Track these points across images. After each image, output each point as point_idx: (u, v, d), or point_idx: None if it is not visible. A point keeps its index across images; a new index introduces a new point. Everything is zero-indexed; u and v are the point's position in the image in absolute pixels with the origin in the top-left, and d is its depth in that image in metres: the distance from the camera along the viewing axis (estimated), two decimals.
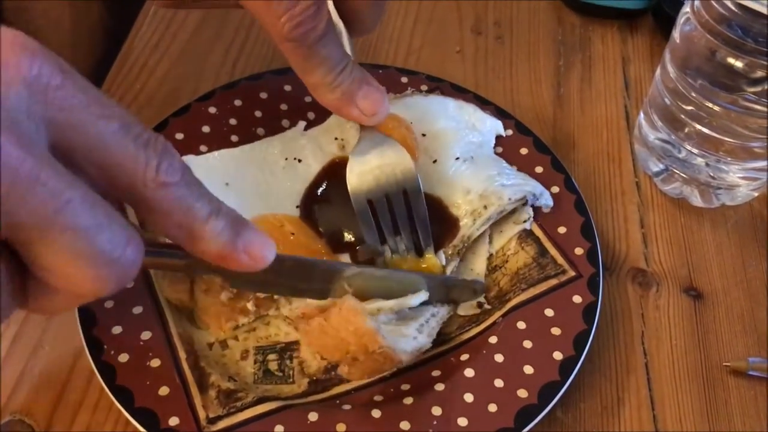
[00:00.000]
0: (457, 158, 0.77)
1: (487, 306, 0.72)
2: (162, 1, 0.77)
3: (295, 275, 0.63)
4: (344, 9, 0.66)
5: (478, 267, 0.75)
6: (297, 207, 0.74)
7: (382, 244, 0.70)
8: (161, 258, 0.54)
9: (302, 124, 0.80)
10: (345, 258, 0.71)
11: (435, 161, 0.77)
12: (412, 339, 0.66)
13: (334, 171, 0.76)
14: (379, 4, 0.67)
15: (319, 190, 0.76)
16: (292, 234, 0.70)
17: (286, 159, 0.76)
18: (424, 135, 0.79)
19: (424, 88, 0.85)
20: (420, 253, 0.71)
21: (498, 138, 0.82)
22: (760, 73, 0.71)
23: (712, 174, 0.80)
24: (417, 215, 0.70)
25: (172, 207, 0.46)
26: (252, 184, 0.74)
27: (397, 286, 0.67)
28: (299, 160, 0.77)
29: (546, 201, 0.76)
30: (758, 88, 0.72)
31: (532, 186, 0.76)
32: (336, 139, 0.78)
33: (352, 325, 0.60)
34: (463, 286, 0.72)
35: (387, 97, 0.68)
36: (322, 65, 0.64)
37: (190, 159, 0.75)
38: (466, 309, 0.73)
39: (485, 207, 0.74)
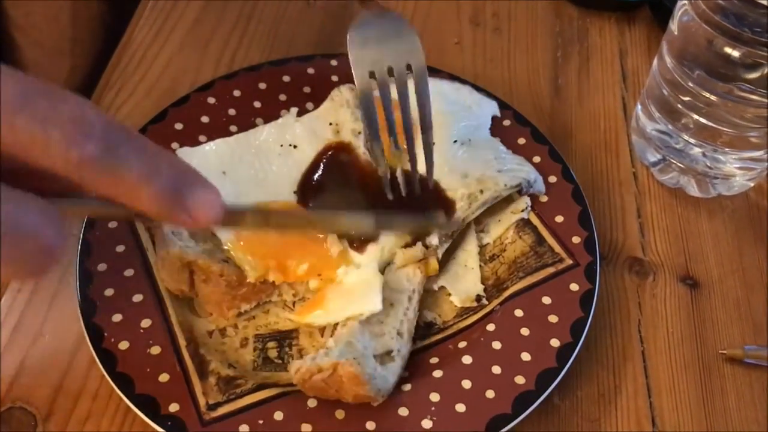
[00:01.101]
0: (455, 141, 0.78)
1: (485, 301, 0.73)
2: None
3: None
4: None
5: (470, 262, 0.75)
6: (294, 193, 0.75)
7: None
8: (107, 209, 0.49)
9: (294, 110, 0.80)
10: (344, 244, 0.71)
11: (433, 144, 0.77)
12: (396, 363, 0.66)
13: (330, 156, 0.76)
14: None
15: (316, 176, 0.76)
16: None
17: (282, 146, 0.76)
18: None
19: None
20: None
21: (496, 128, 0.82)
22: (756, 63, 0.72)
23: (708, 164, 0.80)
24: (419, 93, 0.68)
25: (96, 181, 0.43)
26: (248, 171, 0.75)
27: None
28: (294, 147, 0.77)
29: (539, 188, 0.77)
30: (755, 77, 0.73)
31: (527, 172, 0.76)
32: (330, 124, 0.78)
33: (353, 391, 0.62)
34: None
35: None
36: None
37: (185, 150, 0.76)
38: (464, 302, 0.73)
39: (481, 191, 0.74)
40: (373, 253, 0.71)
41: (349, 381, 0.61)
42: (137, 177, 0.43)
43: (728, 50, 0.72)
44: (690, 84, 0.77)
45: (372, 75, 0.67)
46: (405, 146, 0.69)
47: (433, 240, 0.72)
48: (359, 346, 0.64)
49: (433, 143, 0.69)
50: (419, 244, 0.72)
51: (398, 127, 0.68)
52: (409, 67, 0.67)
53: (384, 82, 0.67)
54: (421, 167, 0.70)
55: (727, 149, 0.79)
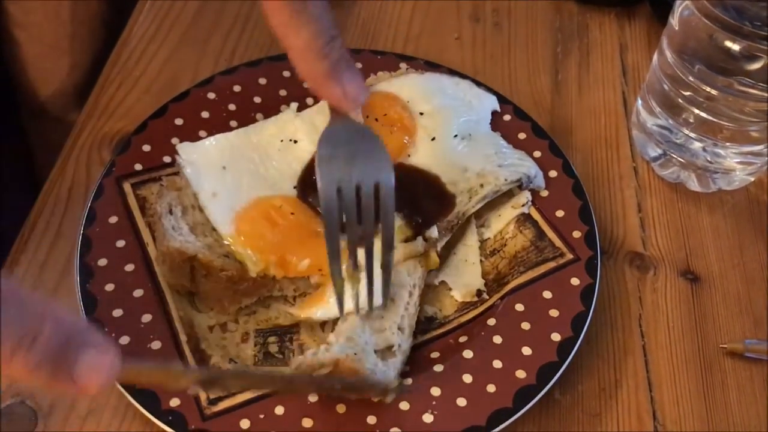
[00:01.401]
0: (456, 136, 0.78)
1: (485, 296, 0.73)
2: None
3: None
4: None
5: (471, 257, 0.76)
6: (294, 187, 0.75)
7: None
8: None
9: (294, 105, 0.81)
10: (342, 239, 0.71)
11: (433, 139, 0.77)
12: (398, 358, 0.66)
13: None
14: None
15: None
16: (292, 213, 0.71)
17: (282, 141, 0.76)
18: (421, 113, 0.79)
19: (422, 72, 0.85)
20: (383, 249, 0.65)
21: (497, 123, 0.82)
22: (756, 56, 0.72)
23: (709, 159, 0.80)
24: (384, 213, 0.63)
25: None
26: (248, 166, 0.75)
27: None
28: (295, 141, 0.77)
29: (539, 183, 0.77)
30: (755, 71, 0.72)
31: (527, 167, 0.76)
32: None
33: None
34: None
35: (367, 91, 0.64)
36: (311, 24, 0.58)
37: (185, 146, 0.76)
38: (465, 296, 0.73)
39: (481, 186, 0.74)
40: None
41: (350, 377, 0.61)
42: (11, 343, 0.41)
43: (728, 44, 0.72)
44: (690, 78, 0.77)
45: (339, 190, 0.63)
46: (364, 266, 0.65)
47: (433, 232, 0.72)
48: (360, 341, 0.64)
49: (393, 265, 0.66)
50: (419, 238, 0.71)
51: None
52: (377, 186, 0.63)
53: (350, 202, 0.63)
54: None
55: (727, 144, 0.79)
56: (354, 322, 0.65)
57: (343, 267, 0.64)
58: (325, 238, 0.63)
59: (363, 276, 0.65)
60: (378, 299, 0.67)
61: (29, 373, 0.42)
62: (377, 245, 0.64)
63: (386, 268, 0.65)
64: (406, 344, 0.67)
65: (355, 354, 0.62)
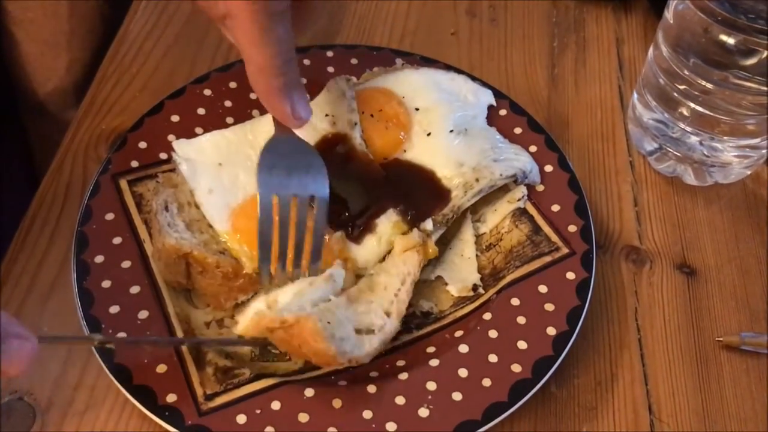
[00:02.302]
0: (451, 131, 0.78)
1: (481, 290, 0.73)
2: None
3: None
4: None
5: (467, 251, 0.76)
6: None
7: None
8: None
9: None
10: (339, 234, 0.71)
11: (429, 134, 0.77)
12: (377, 336, 0.66)
13: (326, 147, 0.76)
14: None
15: None
16: None
17: None
18: (417, 109, 0.79)
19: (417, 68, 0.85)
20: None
21: (493, 118, 0.82)
22: (751, 50, 0.72)
23: (706, 152, 0.80)
24: (316, 224, 0.68)
25: None
26: (244, 163, 0.75)
27: None
28: None
29: (534, 178, 0.77)
30: (750, 64, 0.73)
31: (523, 162, 0.77)
32: (327, 115, 0.78)
33: (312, 347, 0.61)
34: None
35: (311, 113, 0.68)
36: (275, 45, 0.63)
37: (181, 142, 0.76)
38: (461, 291, 0.73)
39: (477, 180, 0.74)
40: (370, 243, 0.71)
41: (309, 336, 0.61)
42: None
43: (723, 38, 0.72)
44: (686, 72, 0.77)
45: (276, 202, 0.67)
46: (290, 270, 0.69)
47: (427, 225, 0.72)
48: (338, 313, 0.64)
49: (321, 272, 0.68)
50: (416, 230, 0.72)
51: (290, 251, 0.68)
52: (312, 199, 0.68)
53: (284, 210, 0.67)
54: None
55: (724, 137, 0.79)
56: (338, 301, 0.65)
57: (272, 268, 0.68)
58: (257, 242, 0.67)
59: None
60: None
61: None
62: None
63: (313, 274, 0.68)
64: (390, 326, 0.67)
65: (329, 323, 0.62)
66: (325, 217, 0.68)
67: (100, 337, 0.62)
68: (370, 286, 0.69)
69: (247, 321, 0.62)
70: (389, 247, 0.72)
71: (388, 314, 0.67)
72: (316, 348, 0.61)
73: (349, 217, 0.72)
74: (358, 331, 0.65)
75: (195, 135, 0.78)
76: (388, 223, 0.72)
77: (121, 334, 0.65)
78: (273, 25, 0.62)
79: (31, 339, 0.52)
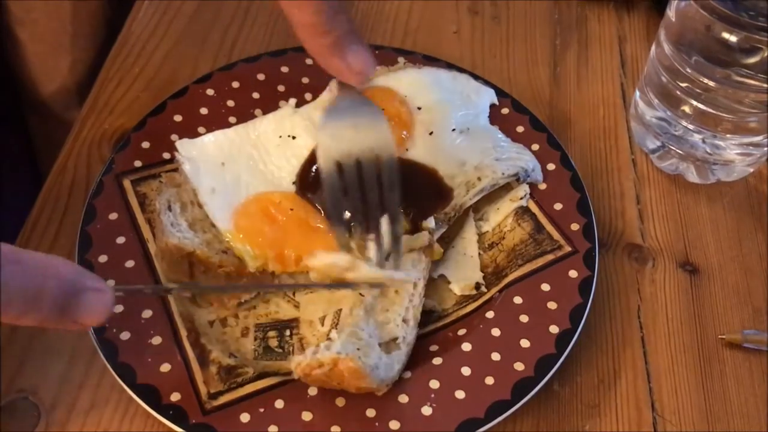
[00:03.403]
0: (453, 130, 0.78)
1: (484, 289, 0.73)
2: None
3: None
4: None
5: (470, 250, 0.76)
6: (293, 183, 0.74)
7: (347, 222, 0.66)
8: None
9: (293, 101, 0.80)
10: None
11: (431, 133, 0.78)
12: (402, 350, 0.67)
13: None
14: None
15: (314, 166, 0.75)
16: (291, 209, 0.71)
17: (280, 137, 0.76)
18: (419, 108, 0.79)
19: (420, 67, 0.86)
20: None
21: (495, 116, 0.82)
22: (754, 47, 0.72)
23: (708, 150, 0.80)
24: (388, 187, 0.65)
25: None
26: (247, 162, 0.75)
27: None
28: (293, 137, 0.77)
29: (536, 177, 0.77)
30: (752, 62, 0.73)
31: (525, 161, 0.77)
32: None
33: (355, 384, 0.62)
34: None
35: (375, 63, 0.64)
36: (316, 1, 0.59)
37: (184, 142, 0.76)
38: (464, 289, 0.73)
39: (479, 179, 0.75)
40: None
41: (350, 375, 0.62)
42: (18, 303, 0.47)
43: (726, 35, 0.72)
44: (688, 70, 0.77)
45: (339, 166, 0.65)
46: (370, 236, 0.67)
47: (430, 222, 0.72)
48: (364, 335, 0.64)
49: (402, 234, 0.67)
50: (425, 232, 0.72)
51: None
52: (378, 160, 0.65)
53: (351, 177, 0.65)
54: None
55: (726, 135, 0.79)
56: (358, 317, 0.66)
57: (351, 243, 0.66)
58: (328, 212, 0.66)
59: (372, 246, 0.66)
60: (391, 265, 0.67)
61: (38, 323, 0.48)
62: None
63: (396, 240, 0.66)
64: (411, 336, 0.68)
65: (358, 349, 0.63)
66: (397, 177, 0.65)
67: (175, 285, 0.65)
68: (382, 291, 0.69)
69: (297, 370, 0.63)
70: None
71: (405, 321, 0.68)
72: (358, 385, 0.62)
73: (352, 215, 0.72)
74: (382, 346, 0.66)
75: (198, 135, 0.78)
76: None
77: (125, 334, 0.66)
78: None
79: (106, 290, 0.52)
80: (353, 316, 0.66)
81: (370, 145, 0.64)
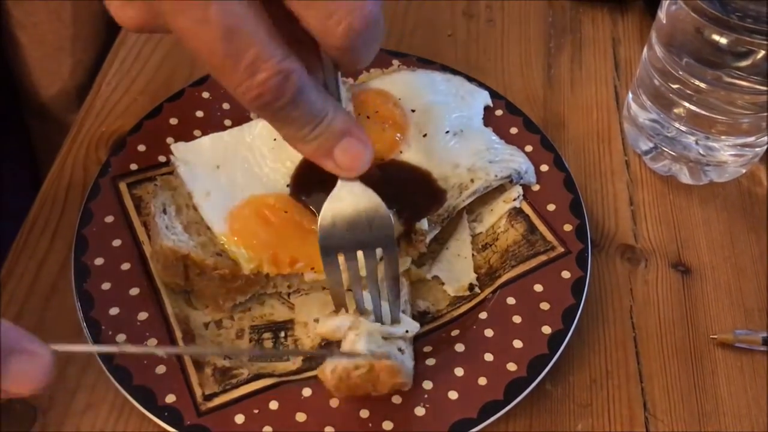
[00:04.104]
0: (447, 132, 0.79)
1: (477, 290, 0.73)
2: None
3: None
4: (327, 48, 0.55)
5: (463, 251, 0.76)
6: (288, 186, 0.75)
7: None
8: None
9: None
10: None
11: (425, 135, 0.78)
12: (411, 348, 0.68)
13: None
14: (365, 43, 0.54)
15: (308, 169, 0.75)
16: (285, 212, 0.71)
17: (275, 139, 0.76)
18: (413, 110, 0.80)
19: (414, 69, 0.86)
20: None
21: (489, 118, 0.83)
22: (744, 49, 0.72)
23: (701, 151, 0.81)
24: (388, 279, 0.64)
25: None
26: (242, 165, 0.75)
27: None
28: None
29: (530, 178, 0.78)
30: (743, 64, 0.73)
31: (519, 163, 0.77)
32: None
33: (390, 383, 0.63)
34: None
35: (370, 149, 0.59)
36: (293, 124, 0.55)
37: (179, 145, 0.76)
38: (457, 290, 0.74)
39: (472, 181, 0.75)
40: None
41: (387, 374, 0.62)
42: None
43: (716, 37, 0.73)
44: (679, 72, 0.77)
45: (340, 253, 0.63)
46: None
47: (423, 225, 0.72)
48: (378, 335, 0.65)
49: (400, 303, 0.67)
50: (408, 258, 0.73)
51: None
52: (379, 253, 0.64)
53: (350, 260, 0.63)
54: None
55: (719, 136, 0.79)
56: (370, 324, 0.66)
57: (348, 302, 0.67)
58: (329, 288, 0.65)
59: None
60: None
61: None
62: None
63: (395, 316, 0.67)
64: (412, 329, 0.67)
65: (399, 351, 0.64)
66: (397, 278, 0.65)
67: (124, 347, 0.63)
68: None
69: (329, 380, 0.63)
70: None
71: (405, 312, 0.69)
72: (393, 383, 0.63)
73: None
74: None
75: (193, 138, 0.78)
76: None
77: (121, 336, 0.66)
78: (281, 116, 0.54)
79: (43, 353, 0.48)
80: (363, 322, 0.66)
81: (372, 240, 0.63)
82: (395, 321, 0.67)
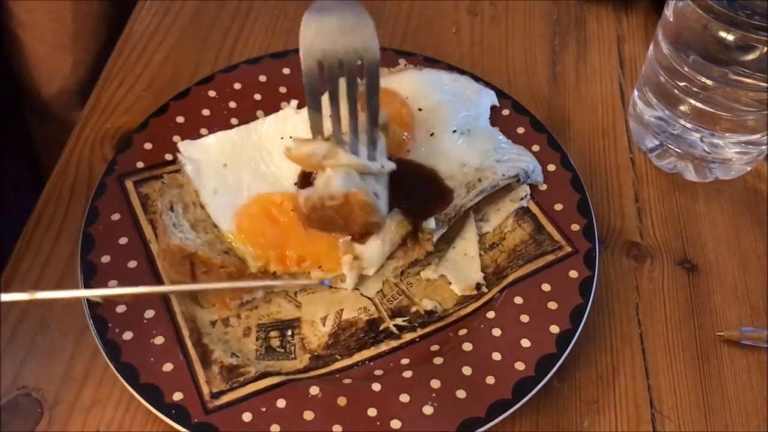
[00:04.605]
0: (454, 131, 0.78)
1: (485, 289, 0.73)
2: None
3: None
4: None
5: (470, 250, 0.76)
6: (295, 184, 0.75)
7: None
8: None
9: (295, 102, 0.81)
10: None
11: (432, 134, 0.78)
12: (386, 195, 0.68)
13: None
14: None
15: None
16: (292, 210, 0.71)
17: (282, 138, 0.76)
18: (420, 109, 0.80)
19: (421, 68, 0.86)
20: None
21: (496, 117, 0.83)
22: (750, 46, 0.72)
23: (707, 149, 0.81)
24: (368, 91, 0.64)
25: None
26: (249, 163, 0.76)
27: None
28: None
29: (536, 178, 0.78)
30: (749, 60, 0.73)
31: (526, 163, 0.77)
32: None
33: (363, 219, 0.64)
34: None
35: None
36: None
37: (187, 143, 0.77)
38: (464, 290, 0.74)
39: (479, 180, 0.75)
40: (374, 243, 0.72)
41: (361, 210, 0.63)
42: None
43: (722, 34, 0.73)
44: (686, 69, 0.77)
45: (321, 66, 0.63)
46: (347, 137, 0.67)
47: (430, 223, 0.73)
48: (354, 171, 0.65)
49: (378, 138, 0.67)
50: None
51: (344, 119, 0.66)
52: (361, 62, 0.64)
53: (332, 77, 0.63)
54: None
55: (724, 133, 0.79)
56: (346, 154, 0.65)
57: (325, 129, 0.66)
58: (307, 110, 0.65)
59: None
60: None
61: None
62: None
63: (372, 142, 0.66)
64: (388, 166, 0.68)
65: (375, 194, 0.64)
66: (377, 82, 0.64)
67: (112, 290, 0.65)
68: None
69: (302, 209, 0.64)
70: (393, 247, 0.73)
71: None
72: (366, 219, 0.63)
73: None
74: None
75: (200, 136, 0.78)
76: (391, 222, 0.72)
77: (128, 333, 0.66)
78: None
79: None
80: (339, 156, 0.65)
81: (354, 49, 0.63)
82: (371, 158, 0.66)
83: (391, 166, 0.67)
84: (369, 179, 0.65)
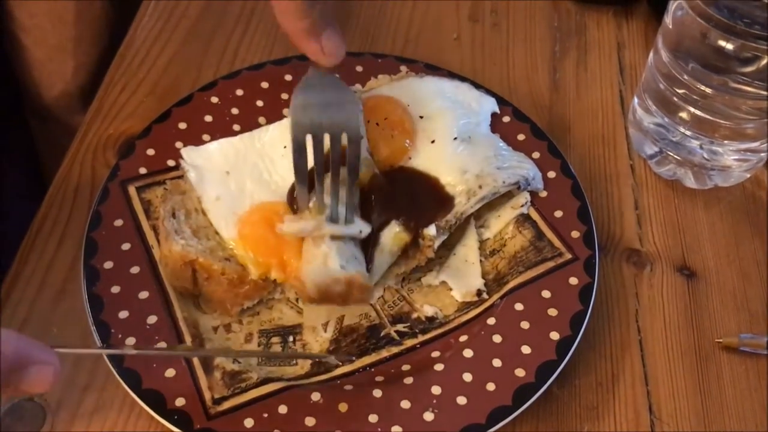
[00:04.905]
0: (455, 138, 0.79)
1: (485, 296, 0.74)
2: None
3: None
4: None
5: (471, 257, 0.77)
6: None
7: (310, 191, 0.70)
8: None
9: None
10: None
11: (433, 142, 0.78)
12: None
13: None
14: None
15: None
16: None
17: (285, 146, 0.77)
18: (421, 117, 0.80)
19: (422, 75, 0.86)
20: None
21: (496, 124, 0.83)
22: (750, 55, 0.73)
23: (706, 156, 0.81)
24: (349, 165, 0.68)
25: None
26: (252, 171, 0.76)
27: None
28: None
29: (537, 185, 0.78)
30: (749, 69, 0.73)
31: (526, 170, 0.78)
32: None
33: (358, 298, 0.69)
34: None
35: (345, 47, 0.69)
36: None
37: (190, 150, 0.77)
38: (465, 296, 0.74)
39: (480, 187, 0.75)
40: (373, 256, 0.73)
41: (359, 291, 0.66)
42: None
43: (722, 43, 0.73)
44: (685, 77, 0.78)
45: (308, 138, 0.68)
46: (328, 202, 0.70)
47: (430, 230, 0.73)
48: (347, 248, 0.68)
49: (354, 200, 0.71)
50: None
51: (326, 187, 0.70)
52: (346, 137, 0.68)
53: (318, 149, 0.68)
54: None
55: (723, 141, 0.80)
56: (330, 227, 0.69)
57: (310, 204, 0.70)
58: (295, 186, 0.70)
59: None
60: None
61: None
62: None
63: (351, 208, 0.70)
64: (366, 230, 0.71)
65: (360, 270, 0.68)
66: (359, 151, 0.69)
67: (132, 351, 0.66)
68: None
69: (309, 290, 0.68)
70: (393, 258, 0.73)
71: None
72: (361, 298, 0.69)
73: None
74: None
75: (202, 142, 0.79)
76: (389, 234, 0.73)
77: (131, 339, 0.67)
78: None
79: (53, 361, 0.55)
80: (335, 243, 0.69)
81: (338, 120, 0.67)
82: (349, 222, 0.70)
83: (367, 230, 0.71)
84: (348, 243, 0.70)
